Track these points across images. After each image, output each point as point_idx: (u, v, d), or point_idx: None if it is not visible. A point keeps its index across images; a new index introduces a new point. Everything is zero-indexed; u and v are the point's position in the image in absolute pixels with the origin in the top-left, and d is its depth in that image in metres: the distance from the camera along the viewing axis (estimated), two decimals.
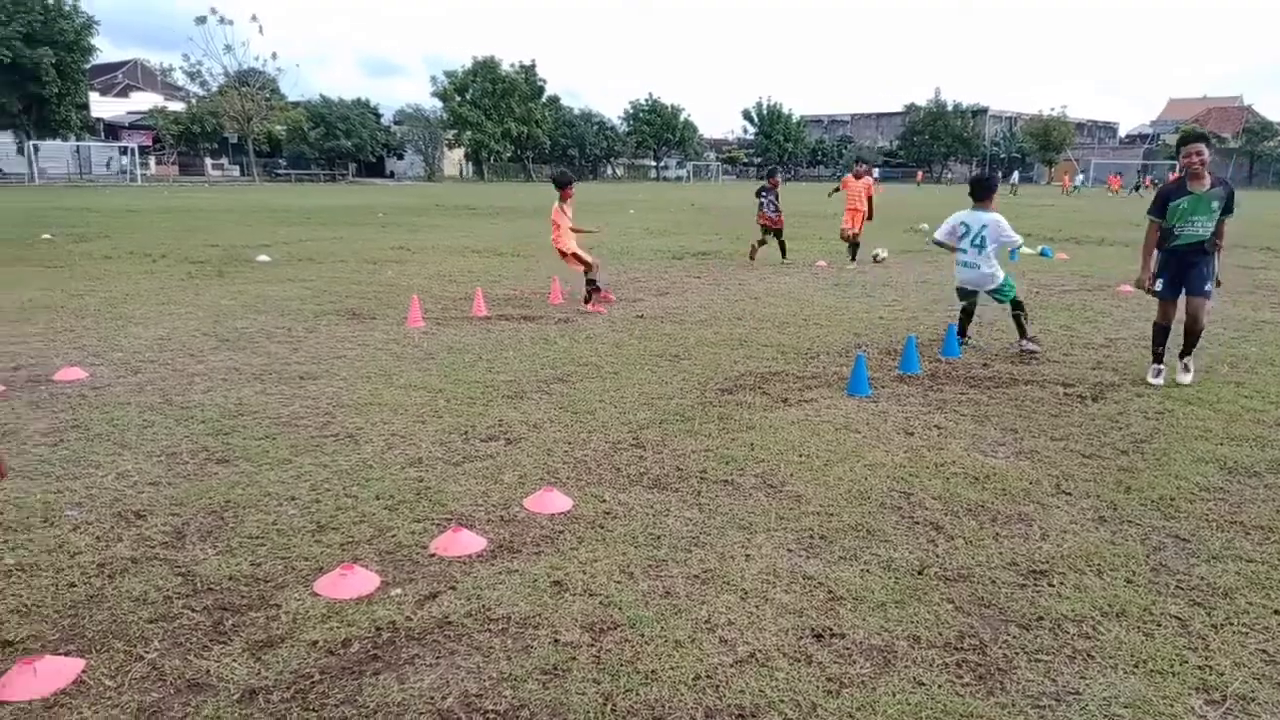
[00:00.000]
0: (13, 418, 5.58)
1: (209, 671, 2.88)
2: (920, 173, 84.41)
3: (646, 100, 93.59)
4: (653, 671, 2.91)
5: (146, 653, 2.98)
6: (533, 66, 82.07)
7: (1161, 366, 6.85)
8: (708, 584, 3.52)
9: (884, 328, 9.23)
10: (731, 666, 2.95)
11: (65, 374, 6.69)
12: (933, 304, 10.81)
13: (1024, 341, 7.74)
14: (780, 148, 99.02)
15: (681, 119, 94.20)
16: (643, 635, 3.13)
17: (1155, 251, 6.77)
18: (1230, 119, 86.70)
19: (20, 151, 55.25)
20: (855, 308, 10.54)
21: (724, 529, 4.05)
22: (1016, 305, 7.80)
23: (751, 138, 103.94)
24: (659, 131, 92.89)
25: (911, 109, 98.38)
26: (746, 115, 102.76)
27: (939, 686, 2.85)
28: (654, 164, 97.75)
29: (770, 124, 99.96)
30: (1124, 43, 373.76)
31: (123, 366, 7.07)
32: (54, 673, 2.78)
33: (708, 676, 2.89)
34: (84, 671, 2.85)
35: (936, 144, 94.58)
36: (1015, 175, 73.48)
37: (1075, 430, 5.63)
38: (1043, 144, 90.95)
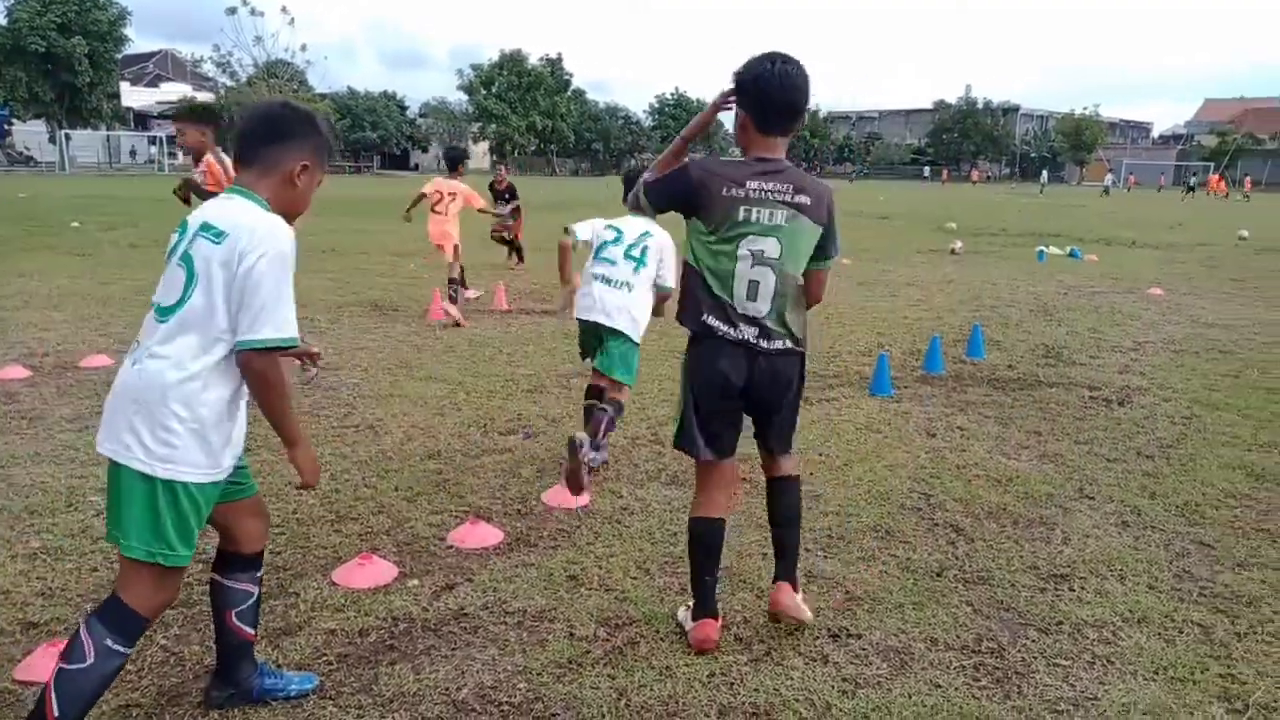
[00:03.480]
0: (40, 403, 5.66)
1: None
2: (946, 171, 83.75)
3: (672, 94, 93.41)
4: (667, 668, 2.91)
5: (165, 638, 3.02)
6: (559, 60, 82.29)
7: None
8: (724, 581, 3.50)
9: (908, 327, 9.15)
10: (746, 665, 2.94)
11: (91, 360, 6.79)
12: (958, 304, 10.72)
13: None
14: (805, 144, 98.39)
15: None
16: (658, 631, 3.13)
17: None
18: (1268, 120, 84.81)
19: (52, 140, 55.96)
20: (880, 306, 10.46)
21: (742, 527, 4.03)
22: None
23: None
24: (684, 126, 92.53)
25: (941, 106, 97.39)
26: None
27: (955, 689, 2.83)
28: None
29: None
30: (1159, 41, 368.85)
31: None
32: None
33: (722, 674, 2.88)
34: None
35: (966, 142, 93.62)
36: (1044, 175, 72.77)
37: (1100, 434, 5.56)
38: (1074, 143, 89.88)
